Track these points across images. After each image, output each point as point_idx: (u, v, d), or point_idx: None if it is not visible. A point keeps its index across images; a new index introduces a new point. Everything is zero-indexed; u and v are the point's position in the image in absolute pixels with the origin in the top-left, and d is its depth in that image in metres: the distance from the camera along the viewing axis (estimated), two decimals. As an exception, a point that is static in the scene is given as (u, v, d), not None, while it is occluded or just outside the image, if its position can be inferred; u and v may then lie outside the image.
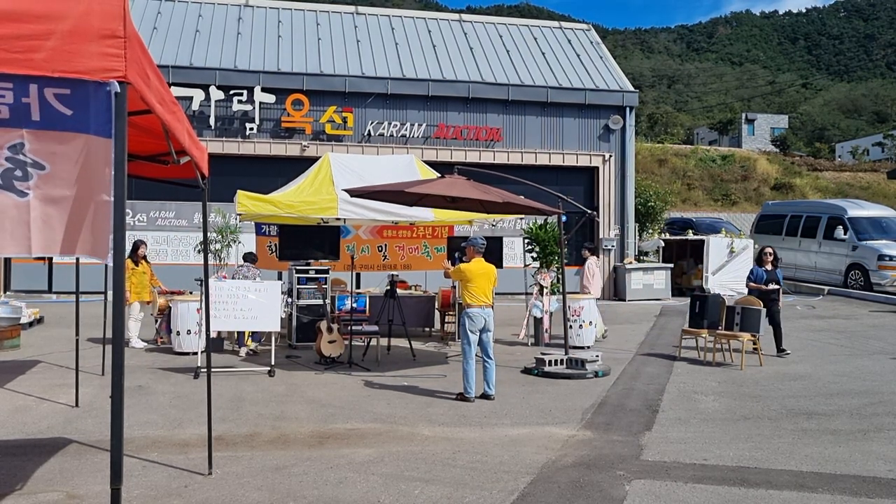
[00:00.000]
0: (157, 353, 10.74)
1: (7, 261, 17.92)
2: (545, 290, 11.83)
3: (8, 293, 17.41)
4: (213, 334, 10.84)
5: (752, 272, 11.35)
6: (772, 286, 10.98)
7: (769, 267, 11.18)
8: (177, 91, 17.04)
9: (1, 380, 8.61)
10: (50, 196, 2.97)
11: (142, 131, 4.60)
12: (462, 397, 7.98)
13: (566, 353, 9.79)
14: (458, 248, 11.02)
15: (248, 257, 11.51)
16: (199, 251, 16.97)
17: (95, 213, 2.97)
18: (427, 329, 13.16)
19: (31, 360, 9.95)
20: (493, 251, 11.86)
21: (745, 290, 11.45)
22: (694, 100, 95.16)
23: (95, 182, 2.96)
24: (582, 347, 11.34)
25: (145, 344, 11.18)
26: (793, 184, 44.38)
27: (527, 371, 9.59)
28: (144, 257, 11.47)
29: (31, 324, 12.76)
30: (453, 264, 8.92)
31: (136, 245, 11.35)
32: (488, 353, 8.12)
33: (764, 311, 10.19)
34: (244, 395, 8.05)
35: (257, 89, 18.31)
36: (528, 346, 11.72)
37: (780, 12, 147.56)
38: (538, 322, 11.93)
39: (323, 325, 10.02)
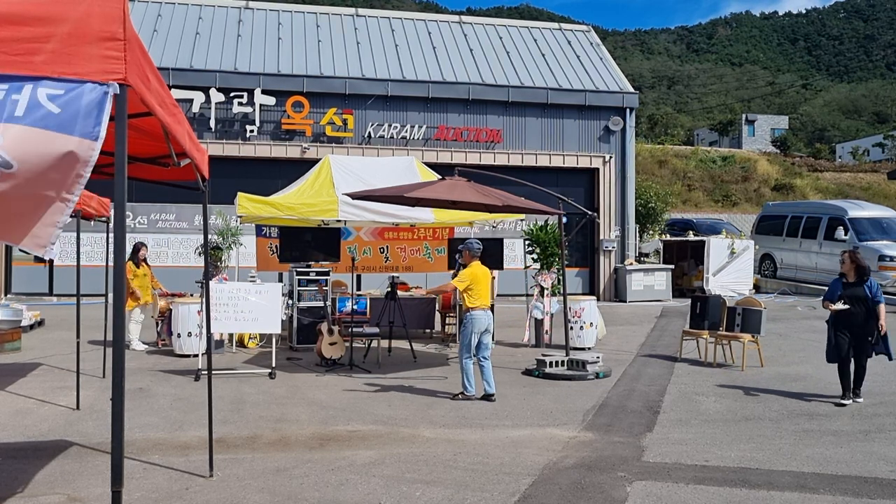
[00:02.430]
0: (158, 355, 10.73)
1: (8, 263, 17.94)
2: (546, 292, 11.83)
3: (9, 296, 17.41)
4: (214, 336, 10.86)
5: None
6: (839, 305, 7.92)
7: (851, 278, 8.08)
8: (177, 93, 17.04)
9: (2, 382, 8.61)
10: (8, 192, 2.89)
11: (142, 134, 4.59)
12: (464, 396, 8.05)
13: (567, 355, 9.79)
14: (458, 250, 11.03)
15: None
16: (199, 253, 16.98)
17: (46, 207, 2.90)
18: (428, 331, 13.15)
19: (32, 362, 9.95)
20: (493, 253, 11.88)
21: (746, 292, 11.23)
22: (694, 101, 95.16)
23: (65, 183, 2.89)
24: (583, 349, 11.33)
25: (146, 346, 11.18)
26: (793, 184, 44.36)
27: (528, 372, 9.59)
28: (145, 259, 11.47)
29: (31, 326, 12.76)
30: (451, 266, 8.93)
31: (137, 247, 11.35)
32: (485, 355, 8.16)
33: (765, 311, 10.14)
34: (245, 398, 8.05)
35: (257, 91, 18.33)
36: (529, 348, 11.71)
37: (780, 13, 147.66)
38: (539, 323, 11.93)
39: (324, 326, 10.02)
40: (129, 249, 10.94)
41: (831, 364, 8.17)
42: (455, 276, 9.13)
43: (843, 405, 7.91)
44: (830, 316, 8.08)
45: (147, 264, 11.52)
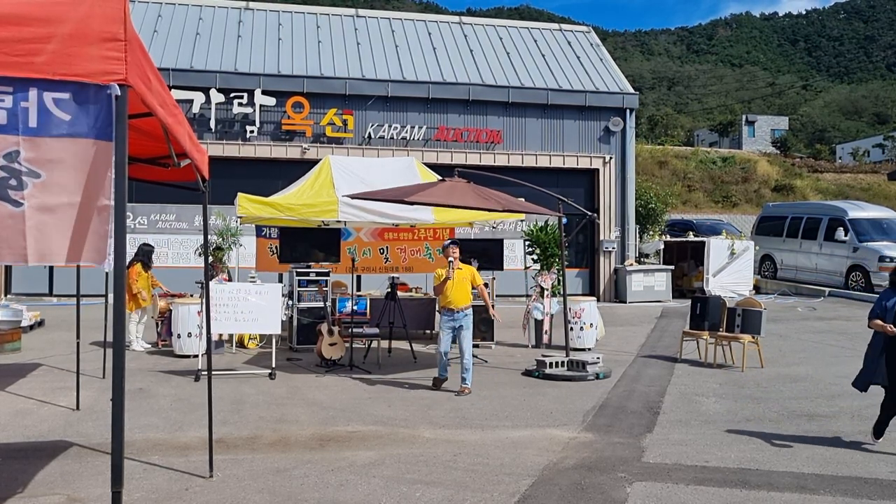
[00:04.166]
0: (158, 355, 10.73)
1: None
2: (546, 293, 11.83)
3: (9, 296, 17.41)
4: (214, 337, 10.87)
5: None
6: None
7: None
8: (177, 94, 17.03)
9: (2, 383, 8.61)
10: (45, 205, 2.96)
11: (142, 134, 4.60)
12: (469, 391, 8.44)
13: (567, 356, 9.79)
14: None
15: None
16: (199, 254, 16.98)
17: (93, 218, 2.97)
18: (428, 331, 13.15)
19: (32, 363, 9.95)
20: (493, 253, 11.88)
21: (746, 292, 11.14)
22: (694, 101, 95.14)
23: (94, 186, 2.96)
24: (583, 349, 11.33)
25: (147, 347, 11.17)
26: (793, 185, 44.37)
27: (528, 373, 9.59)
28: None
29: (31, 327, 12.76)
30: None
31: (150, 250, 11.37)
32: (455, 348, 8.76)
33: (765, 312, 10.12)
34: (245, 398, 8.05)
35: (258, 92, 18.32)
36: (529, 349, 11.71)
37: (780, 14, 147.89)
38: (539, 324, 11.92)
39: (324, 327, 10.02)
40: (129, 250, 10.93)
41: (855, 389, 6.66)
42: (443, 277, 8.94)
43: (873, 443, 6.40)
44: (879, 337, 6.35)
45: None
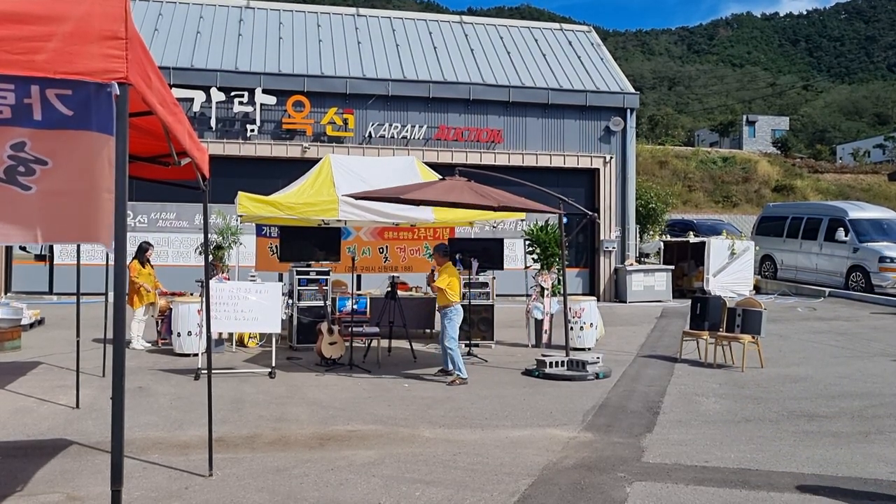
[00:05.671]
0: (158, 354, 10.73)
1: (8, 262, 17.93)
2: (546, 292, 11.83)
3: (9, 294, 17.41)
4: (214, 335, 10.87)
5: None
6: None
7: None
8: (178, 93, 17.02)
9: (2, 381, 8.61)
10: (53, 189, 3.00)
11: (143, 132, 4.60)
12: (460, 380, 8.82)
13: (567, 355, 9.79)
14: (459, 250, 11.09)
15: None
16: (199, 253, 16.97)
17: (101, 205, 2.99)
18: (427, 331, 13.15)
19: (32, 361, 9.95)
20: (493, 253, 11.88)
21: (746, 292, 11.09)
22: (695, 101, 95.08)
23: (98, 178, 2.98)
24: (583, 349, 11.33)
25: (147, 345, 11.18)
26: (794, 185, 44.37)
27: (528, 373, 9.59)
28: (148, 259, 11.50)
29: (31, 325, 12.76)
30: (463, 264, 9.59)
31: (144, 247, 11.40)
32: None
33: (765, 312, 10.12)
34: (245, 397, 8.05)
35: (258, 91, 18.33)
36: (529, 348, 11.71)
37: (781, 14, 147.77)
38: (538, 324, 11.92)
39: (324, 326, 10.02)
40: (130, 249, 10.93)
41: None
42: (431, 277, 10.07)
43: None
44: None
45: (150, 264, 11.55)
